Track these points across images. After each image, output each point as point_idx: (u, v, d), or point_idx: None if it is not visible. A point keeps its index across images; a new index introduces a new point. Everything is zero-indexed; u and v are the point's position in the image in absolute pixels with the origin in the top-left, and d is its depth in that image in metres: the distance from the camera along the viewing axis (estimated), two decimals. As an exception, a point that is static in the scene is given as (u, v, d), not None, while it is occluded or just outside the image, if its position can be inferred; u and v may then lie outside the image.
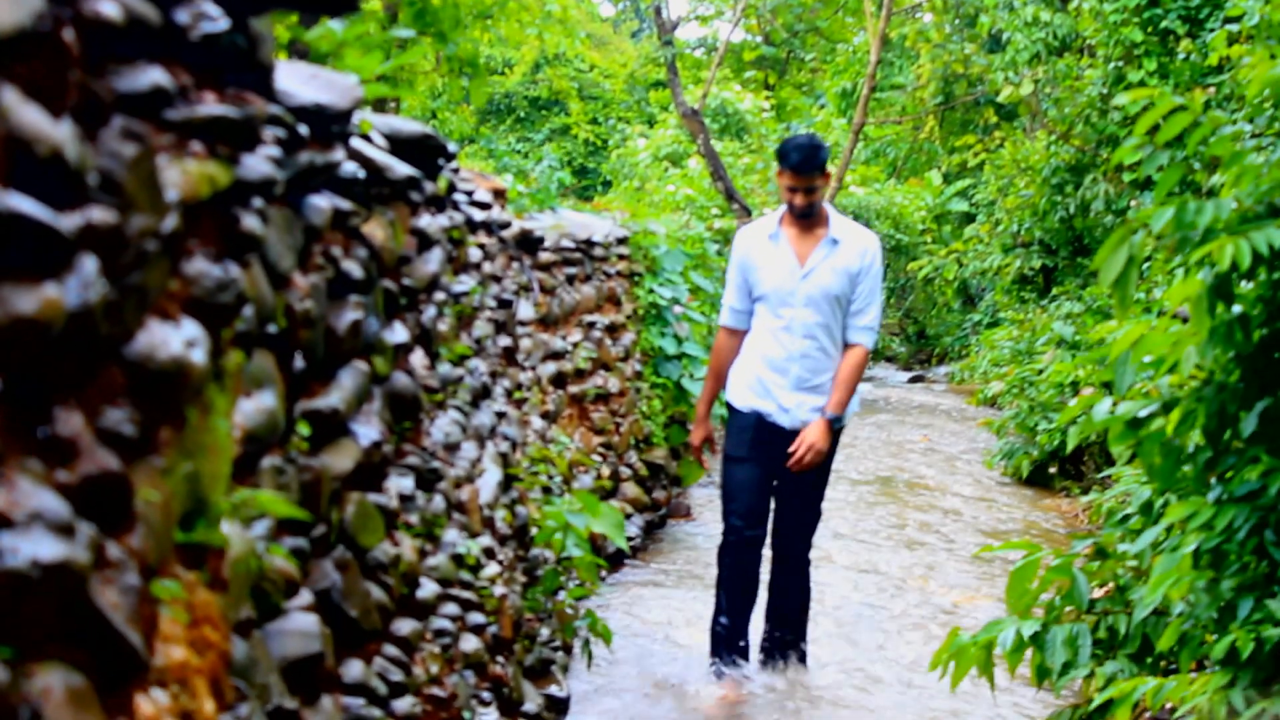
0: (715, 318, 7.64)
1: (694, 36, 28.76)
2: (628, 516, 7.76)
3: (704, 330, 9.50)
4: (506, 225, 5.64)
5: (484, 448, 4.30)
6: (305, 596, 2.34)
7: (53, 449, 1.37)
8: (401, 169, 3.18)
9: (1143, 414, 3.32)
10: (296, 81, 2.51)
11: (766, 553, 5.36)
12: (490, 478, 4.25)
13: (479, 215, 4.78)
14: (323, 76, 2.65)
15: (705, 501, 8.93)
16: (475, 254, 4.69)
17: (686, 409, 9.10)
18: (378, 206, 3.08)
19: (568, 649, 5.23)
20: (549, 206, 8.13)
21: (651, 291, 9.11)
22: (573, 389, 7.44)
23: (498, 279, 5.37)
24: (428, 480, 3.36)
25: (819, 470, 5.24)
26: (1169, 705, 4.09)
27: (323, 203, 2.55)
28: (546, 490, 5.47)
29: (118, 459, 1.47)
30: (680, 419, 9.25)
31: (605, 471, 7.59)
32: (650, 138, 20.34)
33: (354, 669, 2.60)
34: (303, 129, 2.36)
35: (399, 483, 3.13)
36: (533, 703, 4.31)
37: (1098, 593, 3.85)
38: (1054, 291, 14.36)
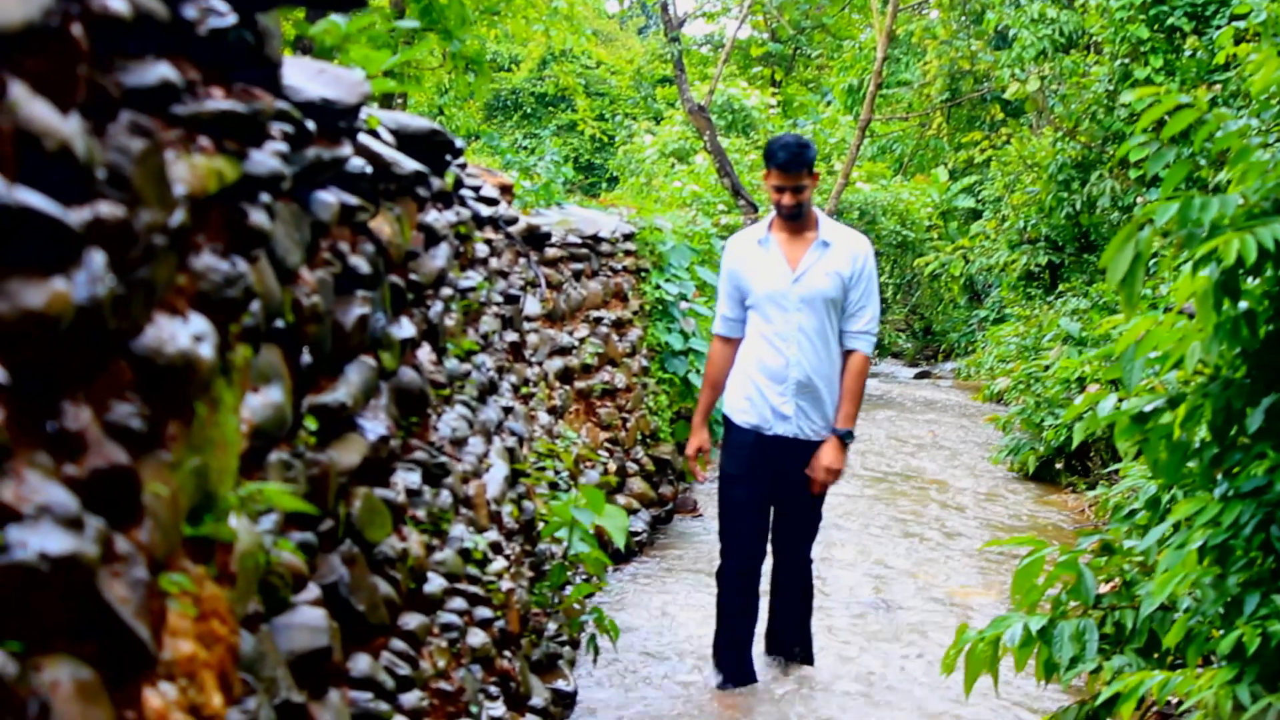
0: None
1: (700, 33, 28.82)
2: (634, 512, 7.76)
3: (710, 325, 9.49)
4: (513, 221, 5.64)
5: (491, 443, 4.30)
6: (313, 591, 2.35)
7: (61, 443, 1.37)
8: (408, 165, 3.18)
9: (1148, 409, 3.32)
10: (303, 77, 2.51)
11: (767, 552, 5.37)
12: (497, 473, 4.25)
13: (486, 211, 4.78)
14: (330, 72, 2.65)
15: (712, 496, 8.92)
16: (482, 249, 4.69)
17: (693, 404, 9.09)
18: (385, 202, 3.08)
19: (575, 644, 5.23)
20: (555, 202, 8.13)
21: (658, 287, 9.11)
22: (579, 384, 7.45)
23: (504, 274, 5.38)
24: (435, 475, 3.36)
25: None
26: (1175, 699, 4.10)
27: (330, 198, 2.55)
28: (553, 485, 5.47)
29: (126, 453, 1.47)
30: (686, 414, 9.23)
31: (612, 467, 7.59)
32: (657, 134, 20.33)
33: (361, 663, 2.61)
34: (310, 124, 2.36)
35: (406, 477, 3.14)
36: (540, 697, 4.32)
37: (1104, 588, 3.85)
38: (1060, 288, 14.34)
